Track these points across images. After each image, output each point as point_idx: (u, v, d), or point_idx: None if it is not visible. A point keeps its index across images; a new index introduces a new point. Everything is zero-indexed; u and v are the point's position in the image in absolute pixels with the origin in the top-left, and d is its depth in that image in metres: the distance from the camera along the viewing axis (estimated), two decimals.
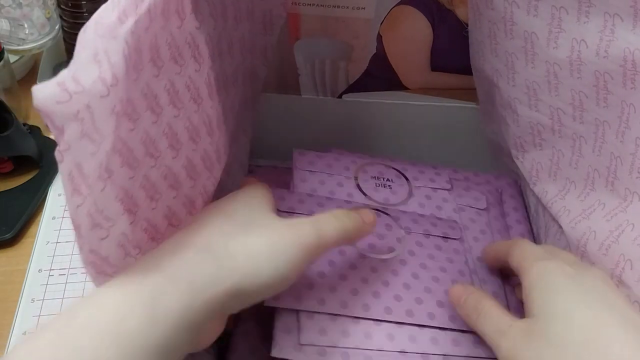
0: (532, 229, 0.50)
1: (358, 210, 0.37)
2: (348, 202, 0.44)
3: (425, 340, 0.37)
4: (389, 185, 0.47)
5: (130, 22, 0.24)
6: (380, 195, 0.46)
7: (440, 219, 0.45)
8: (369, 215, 0.37)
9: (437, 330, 0.37)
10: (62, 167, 0.24)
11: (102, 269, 0.28)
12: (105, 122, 0.24)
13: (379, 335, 0.36)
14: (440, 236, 0.44)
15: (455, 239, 0.44)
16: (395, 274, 0.40)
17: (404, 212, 0.45)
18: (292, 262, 0.31)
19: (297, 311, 0.36)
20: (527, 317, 0.33)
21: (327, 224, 0.34)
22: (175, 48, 0.28)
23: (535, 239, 0.49)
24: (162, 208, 0.31)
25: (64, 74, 0.23)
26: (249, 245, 0.30)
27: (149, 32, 0.26)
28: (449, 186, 0.48)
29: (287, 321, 0.36)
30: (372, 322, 0.37)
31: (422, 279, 0.40)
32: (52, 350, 0.24)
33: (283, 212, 0.42)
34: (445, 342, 0.37)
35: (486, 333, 0.35)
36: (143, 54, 0.26)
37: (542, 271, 0.34)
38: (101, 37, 0.23)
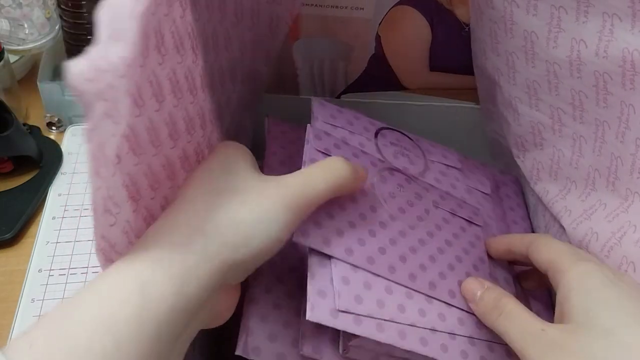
0: (532, 228, 0.50)
1: (352, 164, 0.35)
2: (378, 159, 0.43)
3: (453, 319, 0.36)
4: (406, 155, 0.45)
5: (143, 2, 0.24)
6: (400, 163, 0.44)
7: (465, 202, 0.44)
8: (361, 170, 0.36)
9: (463, 311, 0.37)
10: (89, 148, 0.24)
11: (110, 256, 0.28)
12: (123, 103, 0.24)
13: (412, 310, 0.35)
14: (465, 219, 0.43)
15: (478, 224, 0.43)
16: (422, 243, 0.39)
17: (433, 186, 0.44)
18: (282, 225, 0.30)
19: (331, 275, 0.34)
20: (562, 320, 0.32)
21: (319, 175, 0.33)
22: (178, 37, 0.28)
23: None
24: (159, 198, 0.30)
25: (92, 51, 0.23)
26: (237, 216, 0.30)
27: (155, 17, 0.26)
28: (459, 165, 0.48)
29: (320, 284, 0.34)
30: (403, 294, 0.36)
31: (447, 255, 0.39)
32: (47, 340, 0.25)
33: (320, 151, 0.40)
34: (471, 324, 0.36)
35: (511, 335, 0.33)
36: (150, 39, 0.26)
37: (584, 275, 0.32)
38: (121, 16, 0.23)
